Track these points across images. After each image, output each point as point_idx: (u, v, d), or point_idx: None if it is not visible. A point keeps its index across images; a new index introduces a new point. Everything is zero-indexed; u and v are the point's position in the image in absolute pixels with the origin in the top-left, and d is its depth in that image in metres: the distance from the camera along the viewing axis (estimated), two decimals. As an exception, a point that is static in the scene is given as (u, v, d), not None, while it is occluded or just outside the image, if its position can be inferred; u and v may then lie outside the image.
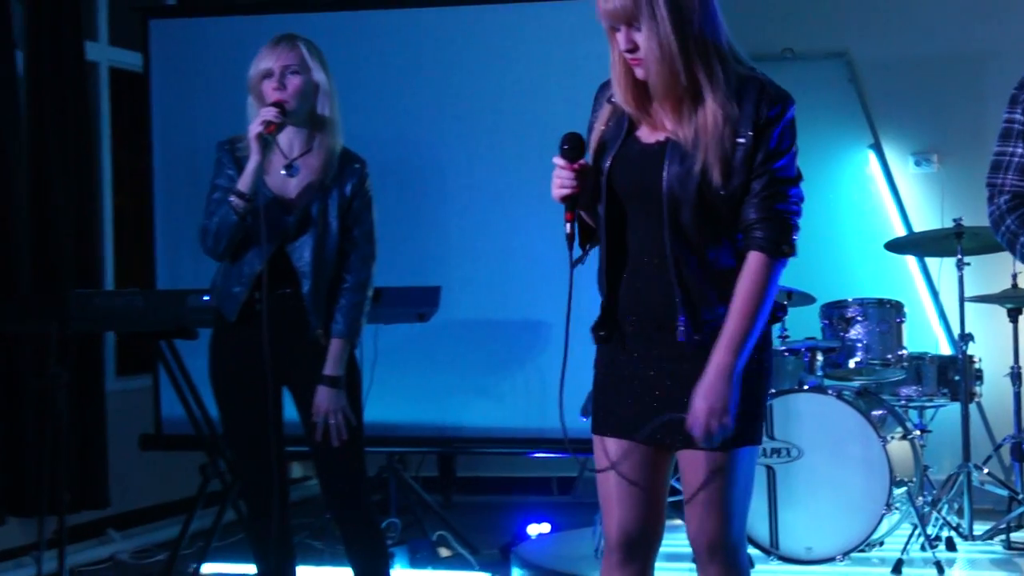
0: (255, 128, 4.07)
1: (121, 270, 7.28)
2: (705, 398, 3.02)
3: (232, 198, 4.11)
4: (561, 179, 3.07)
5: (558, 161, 3.07)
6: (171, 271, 6.60)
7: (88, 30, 6.94)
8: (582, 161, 3.09)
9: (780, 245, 3.06)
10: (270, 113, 4.08)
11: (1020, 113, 4.18)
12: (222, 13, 6.89)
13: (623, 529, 3.19)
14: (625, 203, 3.11)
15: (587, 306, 3.18)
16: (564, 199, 3.08)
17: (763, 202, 3.05)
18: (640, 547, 3.21)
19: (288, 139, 4.23)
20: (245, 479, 4.43)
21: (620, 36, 3.01)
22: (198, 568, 5.59)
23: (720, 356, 3.03)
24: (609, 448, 3.19)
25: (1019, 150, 4.18)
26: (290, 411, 4.38)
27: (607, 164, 3.10)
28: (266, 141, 4.08)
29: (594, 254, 3.22)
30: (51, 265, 6.34)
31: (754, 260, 3.05)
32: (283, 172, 4.20)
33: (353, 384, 4.32)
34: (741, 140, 3.02)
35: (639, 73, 3.03)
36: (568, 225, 3.07)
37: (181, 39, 6.68)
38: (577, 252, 3.14)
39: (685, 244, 3.04)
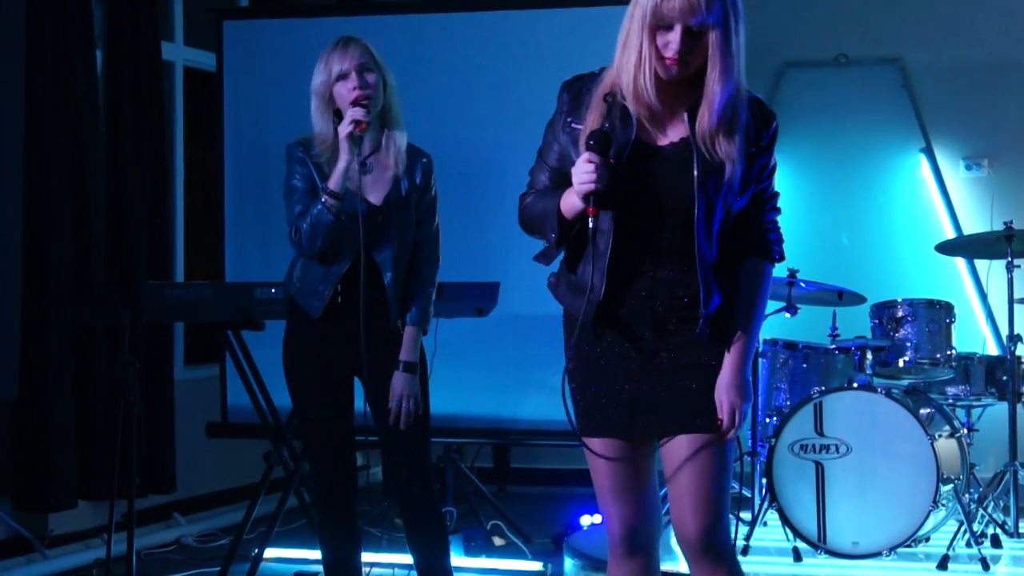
0: (346, 128, 4.06)
1: (191, 263, 7.34)
2: (729, 395, 3.15)
3: (325, 198, 4.11)
4: (592, 174, 2.99)
5: (592, 156, 3.01)
6: (239, 264, 6.63)
7: (164, 31, 7.01)
8: (611, 158, 3.06)
9: (776, 252, 3.25)
10: (359, 113, 4.07)
11: None
12: (293, 15, 6.93)
13: (624, 524, 3.24)
14: (643, 202, 3.09)
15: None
16: (588, 195, 3.01)
17: (762, 213, 3.21)
18: (643, 537, 3.26)
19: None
20: (317, 468, 4.41)
21: (673, 35, 2.98)
22: (260, 552, 5.60)
23: (738, 357, 3.17)
24: (600, 448, 3.22)
25: None
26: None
27: (622, 162, 3.09)
28: (357, 140, 4.09)
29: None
30: (125, 257, 6.40)
31: (759, 266, 3.22)
32: (358, 170, 4.21)
33: (423, 373, 4.35)
34: (753, 150, 3.11)
35: (671, 73, 3.02)
36: (592, 220, 3.03)
37: (253, 40, 6.70)
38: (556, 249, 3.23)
39: (706, 243, 3.09)
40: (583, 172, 3.01)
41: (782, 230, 3.29)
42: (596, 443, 3.21)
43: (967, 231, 7.31)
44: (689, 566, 3.24)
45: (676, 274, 3.11)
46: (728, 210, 3.10)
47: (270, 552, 5.78)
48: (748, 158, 3.09)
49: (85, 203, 6.14)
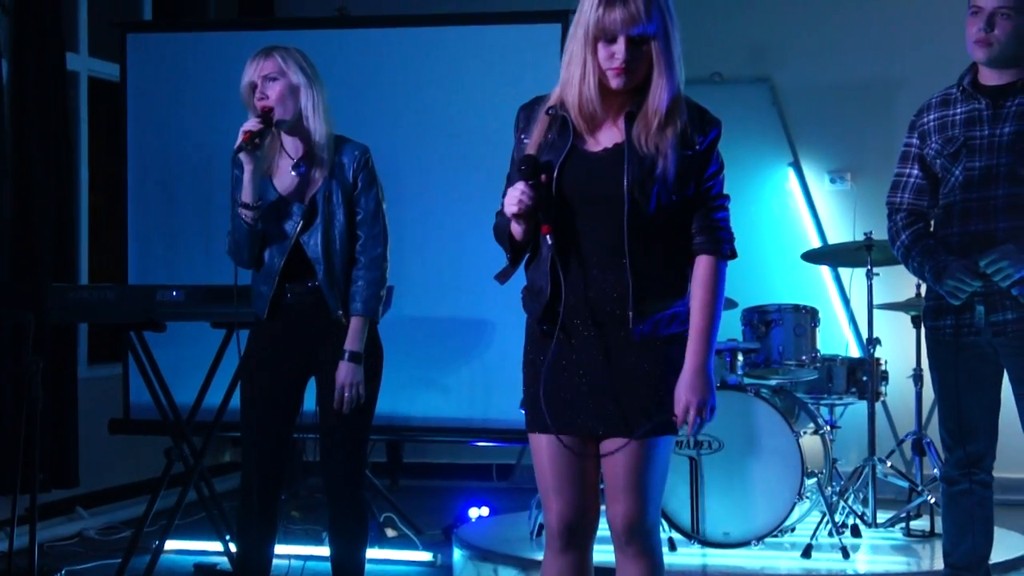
0: (237, 142, 4.07)
1: (95, 266, 7.24)
2: (693, 394, 3.16)
3: (240, 210, 4.11)
4: (524, 196, 3.05)
5: (521, 186, 3.05)
6: (142, 267, 6.57)
7: (70, 42, 6.91)
8: (543, 177, 3.09)
9: (724, 249, 3.19)
10: (249, 124, 4.08)
11: (916, 138, 4.29)
12: (196, 29, 6.88)
13: (562, 518, 3.21)
14: (578, 207, 3.11)
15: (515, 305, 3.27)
16: (517, 215, 3.07)
17: (709, 212, 3.17)
18: (579, 533, 3.23)
19: (291, 141, 4.23)
20: (252, 462, 4.29)
21: (618, 47, 3.02)
22: (161, 544, 5.54)
23: (696, 356, 3.17)
24: (545, 443, 3.20)
25: (915, 171, 4.28)
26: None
27: (556, 171, 3.10)
28: (244, 149, 4.06)
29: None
30: (30, 260, 6.30)
31: (707, 264, 3.18)
32: (292, 173, 4.19)
33: (373, 365, 4.30)
34: (689, 153, 3.10)
35: (618, 83, 3.05)
36: (549, 237, 3.07)
37: (156, 52, 6.65)
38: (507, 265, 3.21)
39: (640, 243, 3.08)
40: (514, 196, 3.06)
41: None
42: (541, 439, 3.20)
43: (832, 241, 7.42)
44: (615, 555, 3.24)
45: (612, 274, 3.10)
46: (663, 210, 3.10)
47: (170, 544, 5.73)
48: (684, 159, 3.09)
49: (-9, 207, 6.05)
